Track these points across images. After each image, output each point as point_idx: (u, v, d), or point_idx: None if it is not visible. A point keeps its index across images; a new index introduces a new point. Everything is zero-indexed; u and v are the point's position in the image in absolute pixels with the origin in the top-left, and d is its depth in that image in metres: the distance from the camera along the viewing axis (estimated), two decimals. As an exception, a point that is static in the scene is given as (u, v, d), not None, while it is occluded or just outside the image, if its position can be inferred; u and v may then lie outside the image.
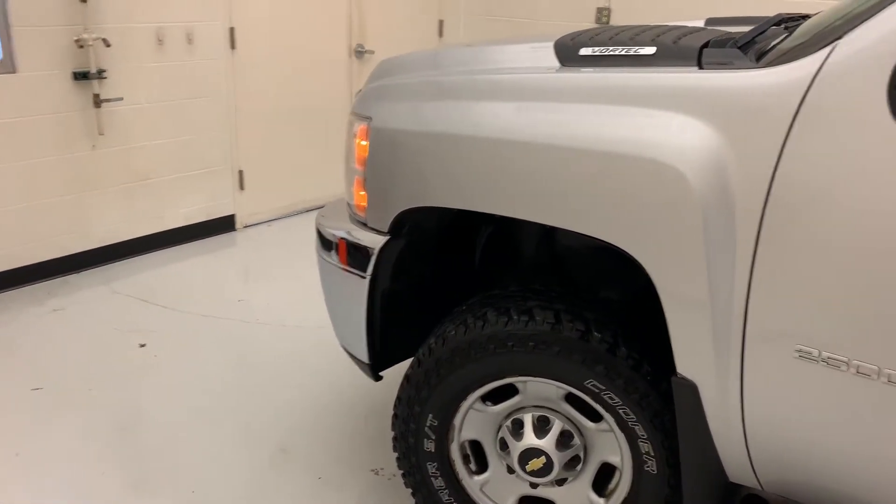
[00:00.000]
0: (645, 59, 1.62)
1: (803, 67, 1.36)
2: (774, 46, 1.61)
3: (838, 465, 1.43)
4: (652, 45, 1.64)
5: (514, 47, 1.99)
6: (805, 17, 1.97)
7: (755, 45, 1.66)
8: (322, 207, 2.46)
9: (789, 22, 1.86)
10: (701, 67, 1.51)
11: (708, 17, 2.67)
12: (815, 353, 1.38)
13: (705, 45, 1.61)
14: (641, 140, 1.50)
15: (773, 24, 1.78)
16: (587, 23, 5.09)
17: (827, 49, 1.34)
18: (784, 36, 1.72)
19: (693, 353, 1.52)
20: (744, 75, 1.43)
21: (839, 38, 1.33)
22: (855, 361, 1.34)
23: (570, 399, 1.84)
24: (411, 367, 1.96)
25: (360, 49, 5.40)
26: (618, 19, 4.88)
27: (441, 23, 5.97)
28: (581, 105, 1.61)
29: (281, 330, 3.57)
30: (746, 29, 2.08)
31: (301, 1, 4.95)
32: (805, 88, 1.34)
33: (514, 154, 1.67)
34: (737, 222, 1.41)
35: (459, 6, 5.86)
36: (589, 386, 1.75)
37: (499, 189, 1.71)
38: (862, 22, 1.31)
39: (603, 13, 4.97)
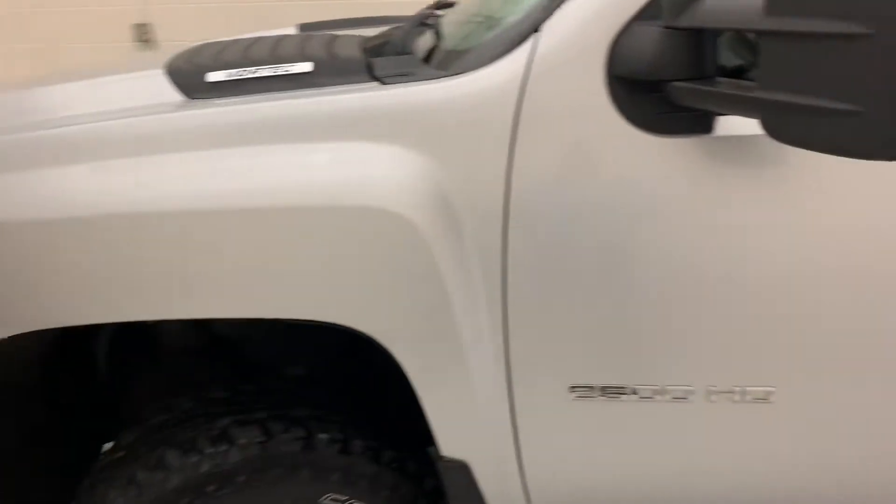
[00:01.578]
0: (303, 79, 1.25)
1: (506, 70, 1.14)
2: (436, 48, 1.39)
3: (641, 498, 1.30)
4: (304, 59, 1.28)
5: (105, 81, 1.44)
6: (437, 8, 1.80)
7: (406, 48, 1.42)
8: None
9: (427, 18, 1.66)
10: (382, 82, 1.21)
11: (298, 23, 2.39)
12: (594, 386, 1.21)
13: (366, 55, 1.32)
14: (333, 183, 1.15)
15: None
16: (125, 44, 4.43)
17: (528, 44, 1.14)
18: (431, 33, 1.52)
19: (458, 430, 1.24)
20: (439, 87, 1.16)
21: (536, 29, 1.15)
22: (635, 386, 1.20)
23: (301, 521, 1.41)
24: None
25: None
26: (164, 36, 4.33)
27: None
28: (232, 149, 1.17)
29: None
30: (350, 32, 1.86)
31: None
32: (517, 94, 1.13)
33: (141, 234, 1.16)
34: (478, 262, 1.16)
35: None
36: (326, 502, 1.35)
37: (126, 288, 1.19)
38: (559, 5, 1.14)
39: (143, 30, 4.36)
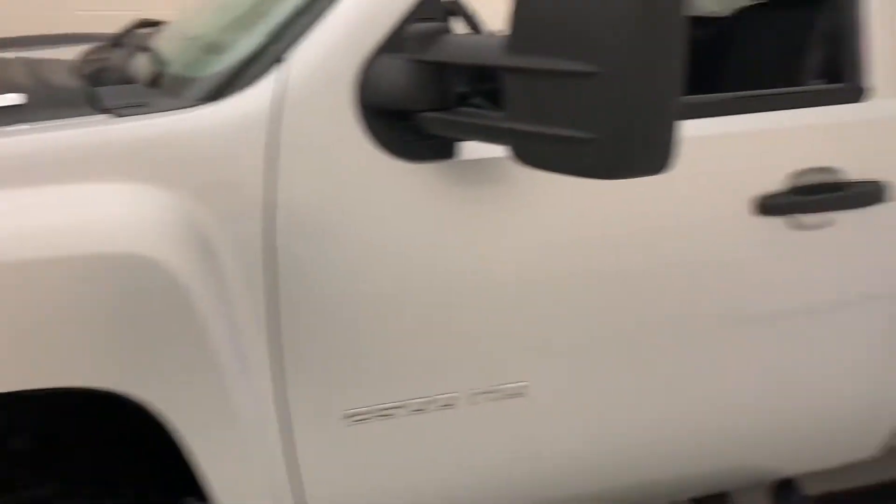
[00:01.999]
0: (14, 113, 1.09)
1: (255, 100, 1.12)
2: (161, 73, 1.31)
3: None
4: (11, 89, 1.12)
5: None
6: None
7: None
8: None
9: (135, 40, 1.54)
10: (116, 114, 1.10)
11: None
12: (368, 408, 1.23)
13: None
14: (69, 230, 1.03)
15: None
16: None
17: (274, 74, 1.13)
18: (148, 57, 1.41)
19: (235, 479, 1.17)
20: (183, 118, 1.10)
21: (279, 59, 1.14)
22: (405, 402, 1.25)
23: None
24: None
25: None
26: None
27: None
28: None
29: None
30: (35, 52, 1.67)
31: None
32: (269, 125, 1.11)
33: None
34: (245, 299, 1.12)
35: None
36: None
37: None
38: (298, 35, 1.14)
39: None
